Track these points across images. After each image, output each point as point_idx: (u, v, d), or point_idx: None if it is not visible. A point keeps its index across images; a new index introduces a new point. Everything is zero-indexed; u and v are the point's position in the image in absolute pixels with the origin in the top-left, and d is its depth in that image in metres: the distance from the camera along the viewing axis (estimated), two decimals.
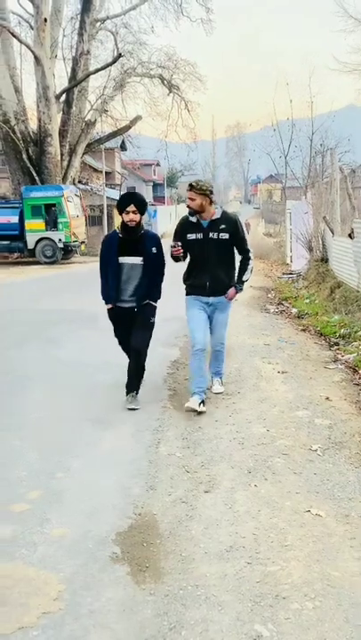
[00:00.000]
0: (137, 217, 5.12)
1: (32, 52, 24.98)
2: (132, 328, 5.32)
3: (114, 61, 26.72)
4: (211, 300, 5.34)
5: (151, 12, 30.17)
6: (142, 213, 5.22)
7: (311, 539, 3.09)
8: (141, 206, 5.17)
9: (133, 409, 5.11)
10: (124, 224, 5.20)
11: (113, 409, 5.22)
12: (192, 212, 5.18)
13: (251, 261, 5.40)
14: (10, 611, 2.53)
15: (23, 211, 23.62)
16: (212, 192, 5.12)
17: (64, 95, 26.67)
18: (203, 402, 5.11)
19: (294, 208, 17.47)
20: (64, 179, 26.65)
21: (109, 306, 5.38)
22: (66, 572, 2.80)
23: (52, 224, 23.27)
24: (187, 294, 5.45)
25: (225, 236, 5.18)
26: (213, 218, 5.18)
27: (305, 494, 3.58)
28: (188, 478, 3.79)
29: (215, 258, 5.23)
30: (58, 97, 26.33)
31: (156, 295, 5.42)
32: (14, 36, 24.94)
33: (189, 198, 5.11)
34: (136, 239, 5.23)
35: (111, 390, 5.68)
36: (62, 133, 26.66)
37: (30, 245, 23.54)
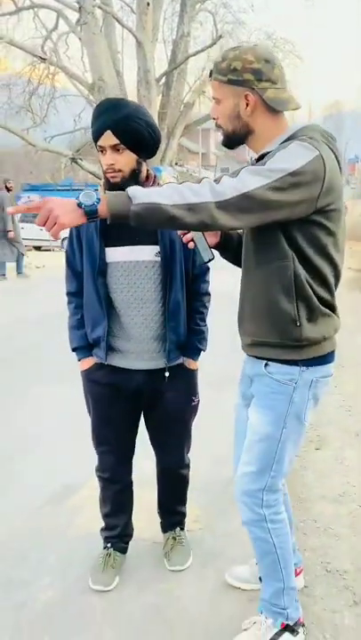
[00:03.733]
0: (123, 159, 2.22)
1: (134, 36, 25.64)
2: (148, 421, 2.61)
3: (213, 43, 26.89)
4: (249, 365, 2.17)
5: None
6: (147, 154, 2.31)
7: None
8: (135, 137, 2.21)
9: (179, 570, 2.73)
10: (106, 180, 2.28)
11: None
12: (225, 140, 2.00)
13: None
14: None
15: None
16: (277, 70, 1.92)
17: (163, 78, 27.27)
18: (294, 628, 2.18)
19: None
20: (162, 160, 27.29)
21: (88, 362, 2.47)
22: (201, 502, 3.28)
23: None
24: None
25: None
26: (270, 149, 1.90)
27: None
28: None
29: (253, 249, 1.99)
30: (158, 80, 26.95)
31: (199, 340, 2.53)
32: (118, 21, 25.69)
33: (214, 99, 2.01)
34: None
35: None
36: (161, 116, 27.26)
37: None
